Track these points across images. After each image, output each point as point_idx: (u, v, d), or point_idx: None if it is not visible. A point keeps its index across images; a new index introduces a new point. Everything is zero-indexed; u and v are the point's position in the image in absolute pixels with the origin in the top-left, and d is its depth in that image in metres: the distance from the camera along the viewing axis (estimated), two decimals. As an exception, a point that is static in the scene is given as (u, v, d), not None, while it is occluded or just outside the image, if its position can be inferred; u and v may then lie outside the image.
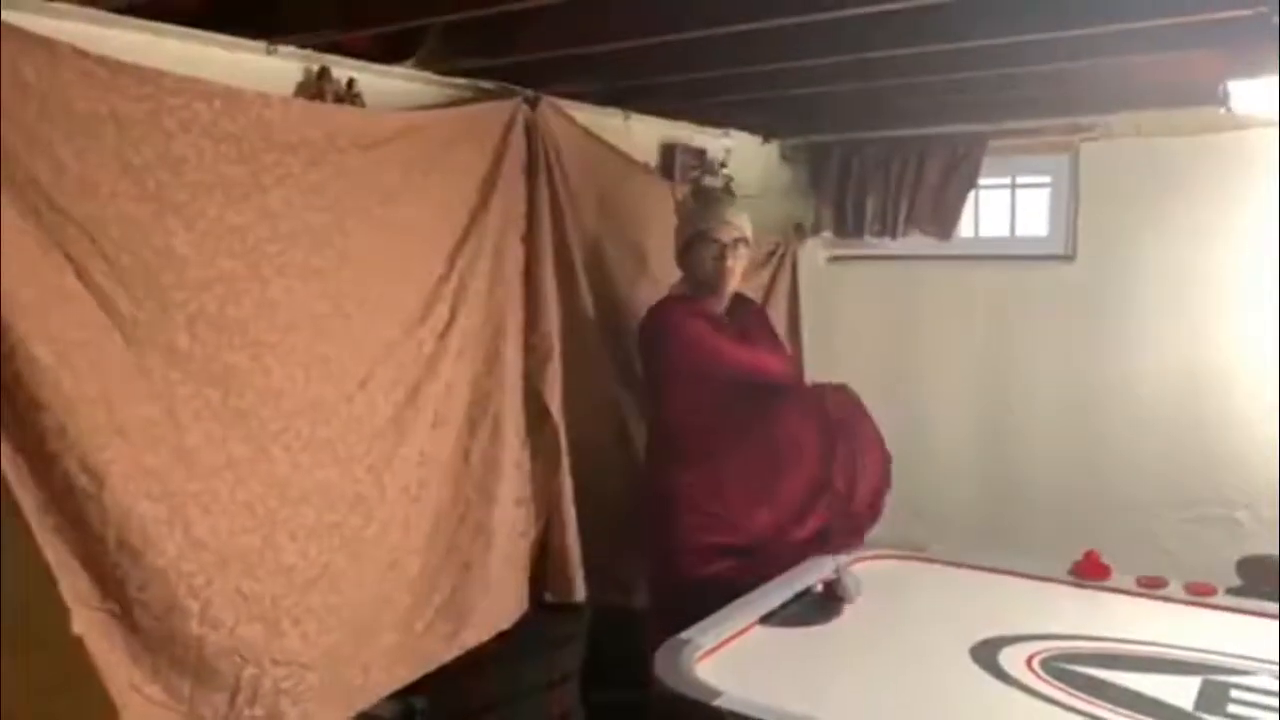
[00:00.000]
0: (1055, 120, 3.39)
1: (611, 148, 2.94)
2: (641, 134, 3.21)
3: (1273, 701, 1.97)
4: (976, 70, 2.68)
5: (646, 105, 3.16)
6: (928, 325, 3.73)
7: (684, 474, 2.69)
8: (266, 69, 2.14)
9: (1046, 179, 3.56)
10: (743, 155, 3.70)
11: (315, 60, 2.19)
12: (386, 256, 2.22)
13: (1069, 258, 3.46)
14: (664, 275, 2.93)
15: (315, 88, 2.17)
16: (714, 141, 3.55)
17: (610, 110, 3.06)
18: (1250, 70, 2.10)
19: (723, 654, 2.14)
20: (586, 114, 2.89)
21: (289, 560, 2.01)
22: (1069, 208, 3.48)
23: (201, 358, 1.86)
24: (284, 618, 1.99)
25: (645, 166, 3.19)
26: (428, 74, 2.46)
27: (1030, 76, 2.77)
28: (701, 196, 3.00)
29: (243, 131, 1.92)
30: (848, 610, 2.41)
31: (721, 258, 2.76)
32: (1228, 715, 1.90)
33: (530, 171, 2.57)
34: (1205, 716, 1.90)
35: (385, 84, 2.36)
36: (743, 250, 2.83)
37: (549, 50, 2.35)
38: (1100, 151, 3.38)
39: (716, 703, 1.84)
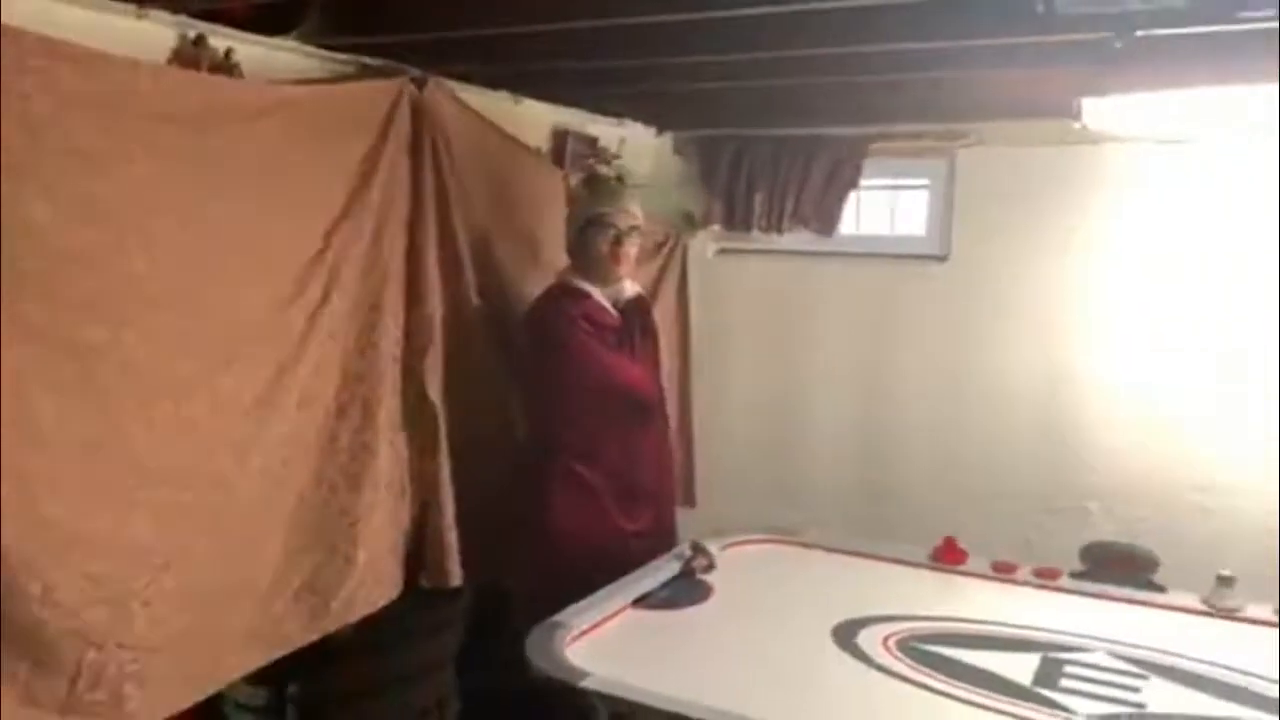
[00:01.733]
0: (934, 126, 3.53)
1: (502, 132, 2.93)
2: (533, 119, 3.21)
3: (1101, 675, 2.11)
4: (860, 75, 2.77)
5: (539, 90, 3.17)
6: (810, 318, 3.83)
7: (561, 466, 2.72)
8: (138, 34, 2.05)
9: (925, 182, 3.70)
10: (636, 146, 3.73)
11: (190, 27, 2.12)
12: (259, 233, 2.16)
13: (943, 258, 3.61)
14: (554, 262, 2.94)
15: (190, 55, 2.10)
16: (608, 130, 3.57)
17: (501, 94, 3.05)
18: (1102, 88, 2.24)
19: (594, 637, 2.18)
20: (476, 96, 2.87)
21: (144, 541, 1.95)
22: (944, 210, 3.63)
23: (56, 331, 1.79)
24: (133, 600, 1.93)
25: (536, 152, 3.19)
26: (311, 48, 2.41)
27: (910, 84, 2.88)
28: (596, 183, 3.02)
29: (109, 98, 1.84)
30: (717, 593, 2.48)
31: (617, 243, 2.80)
32: (1060, 689, 2.04)
33: (415, 153, 2.53)
34: (1040, 690, 2.03)
35: (266, 56, 2.30)
36: (636, 237, 2.88)
37: (437, 31, 2.34)
38: (975, 158, 3.53)
39: (583, 684, 1.89)
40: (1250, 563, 2.70)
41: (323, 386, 2.36)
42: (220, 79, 2.16)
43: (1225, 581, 2.51)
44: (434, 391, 2.57)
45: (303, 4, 2.20)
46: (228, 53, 2.19)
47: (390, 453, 2.48)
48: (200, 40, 2.14)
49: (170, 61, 2.11)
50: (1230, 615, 2.47)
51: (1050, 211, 3.36)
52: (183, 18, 2.10)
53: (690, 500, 3.76)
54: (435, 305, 2.58)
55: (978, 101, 3.12)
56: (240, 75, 2.21)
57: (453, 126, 2.65)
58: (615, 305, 2.86)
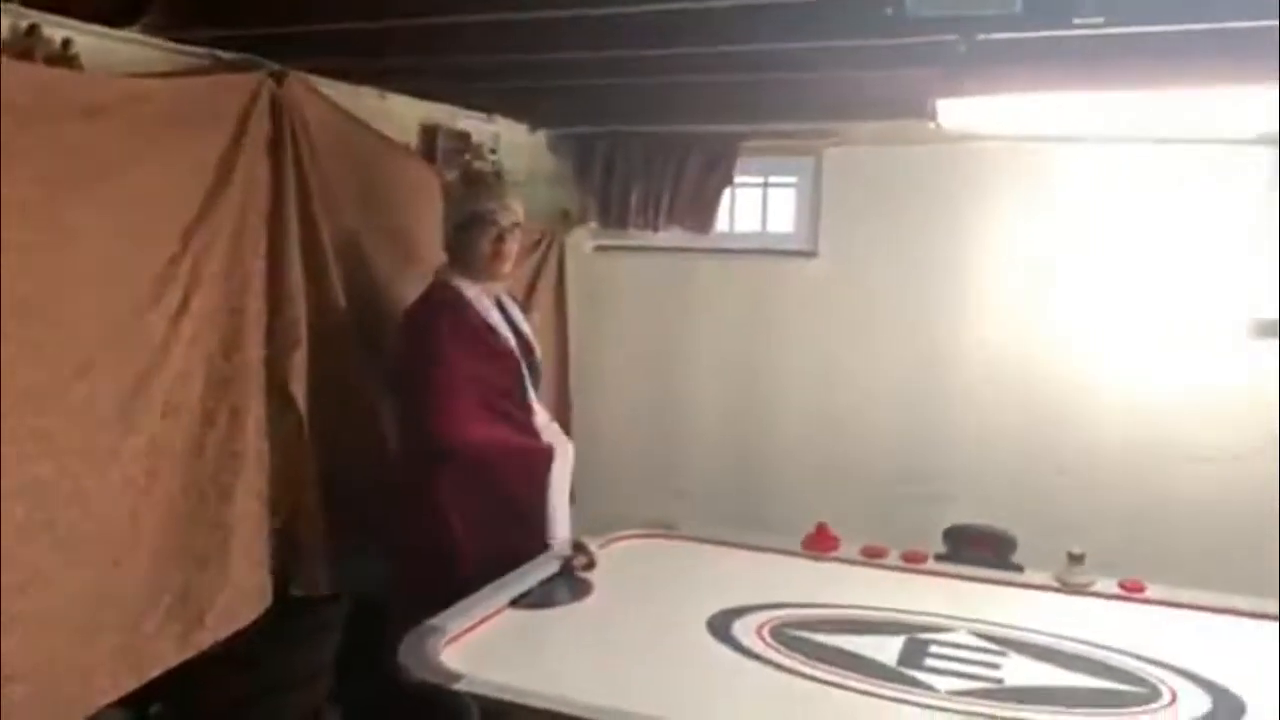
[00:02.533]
0: (802, 126, 3.63)
1: (368, 128, 2.86)
2: (400, 115, 3.15)
3: (962, 653, 2.21)
4: (727, 74, 2.82)
5: (406, 86, 3.12)
6: (687, 314, 3.89)
7: (435, 477, 2.63)
8: (-38, 24, 1.94)
9: (793, 180, 3.80)
10: (509, 142, 3.71)
11: (22, 16, 2.00)
12: (110, 234, 2.06)
13: (812, 253, 3.71)
14: (429, 260, 2.86)
15: (22, 46, 1.98)
16: (479, 126, 3.54)
17: (366, 90, 2.98)
18: (956, 90, 2.33)
19: (470, 639, 2.16)
20: (339, 92, 2.80)
21: (-4, 562, 1.85)
22: (813, 207, 3.73)
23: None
24: (-11, 626, 1.84)
25: (406, 148, 3.13)
26: (159, 41, 2.31)
27: (777, 84, 2.95)
28: (474, 179, 2.95)
29: (-69, 91, 1.74)
30: (596, 590, 2.49)
31: (499, 241, 2.72)
32: (923, 668, 2.11)
33: (276, 151, 2.45)
34: (904, 669, 2.10)
35: (109, 48, 2.18)
36: (518, 234, 2.81)
37: (295, 24, 2.27)
38: (840, 156, 3.65)
39: (457, 686, 1.87)
40: (1100, 540, 2.86)
41: (188, 394, 2.27)
42: (57, 71, 2.04)
43: (1076, 559, 2.65)
44: (300, 397, 2.49)
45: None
46: (65, 43, 2.08)
47: (259, 461, 2.40)
48: (33, 30, 2.02)
49: (-1, 52, 1.99)
50: (1080, 590, 2.61)
51: (912, 207, 3.50)
52: (14, 5, 1.99)
53: (570, 498, 3.74)
54: (300, 308, 2.50)
55: (841, 102, 3.22)
56: (80, 68, 2.10)
57: (315, 123, 2.58)
58: (494, 303, 2.80)
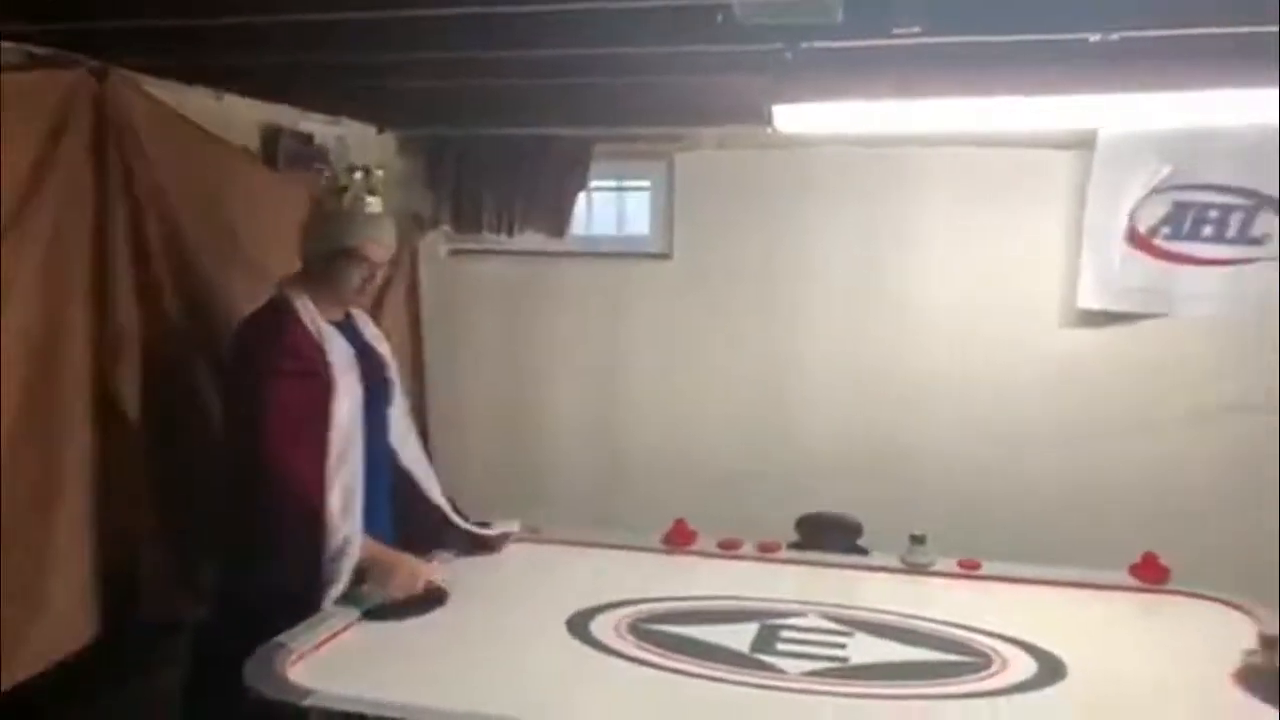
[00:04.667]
0: (654, 130, 3.69)
1: (204, 131, 2.76)
2: (238, 116, 3.04)
3: (812, 636, 2.29)
4: (575, 78, 2.85)
5: (243, 86, 3.01)
6: (545, 318, 3.90)
7: (250, 496, 2.43)
8: None
9: (646, 183, 3.86)
10: (358, 144, 3.64)
11: None
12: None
13: (667, 256, 3.78)
14: (266, 268, 2.76)
15: None
16: (324, 129, 3.45)
17: (199, 89, 2.86)
18: (788, 96, 2.43)
19: (321, 654, 2.11)
20: (171, 91, 2.68)
21: None
22: (666, 210, 3.80)
23: None
24: None
25: (245, 152, 3.03)
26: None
27: (626, 88, 2.99)
28: (357, 210, 2.76)
29: None
30: (452, 598, 2.46)
31: (370, 277, 2.56)
32: (775, 652, 2.19)
33: (98, 153, 2.33)
34: (757, 655, 2.17)
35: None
36: (382, 266, 2.63)
37: (117, 19, 2.16)
38: (691, 160, 3.73)
39: (306, 702, 1.83)
40: (942, 521, 3.01)
41: (3, 412, 2.13)
42: None
43: (918, 540, 2.79)
44: (130, 413, 2.38)
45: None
46: None
47: (81, 481, 2.28)
48: None
49: None
50: (922, 570, 2.75)
51: (759, 210, 3.62)
52: None
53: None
54: (129, 318, 2.39)
55: (688, 107, 3.29)
56: None
57: (143, 124, 2.45)
58: (337, 322, 2.58)
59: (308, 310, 2.48)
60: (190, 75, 2.77)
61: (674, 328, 3.75)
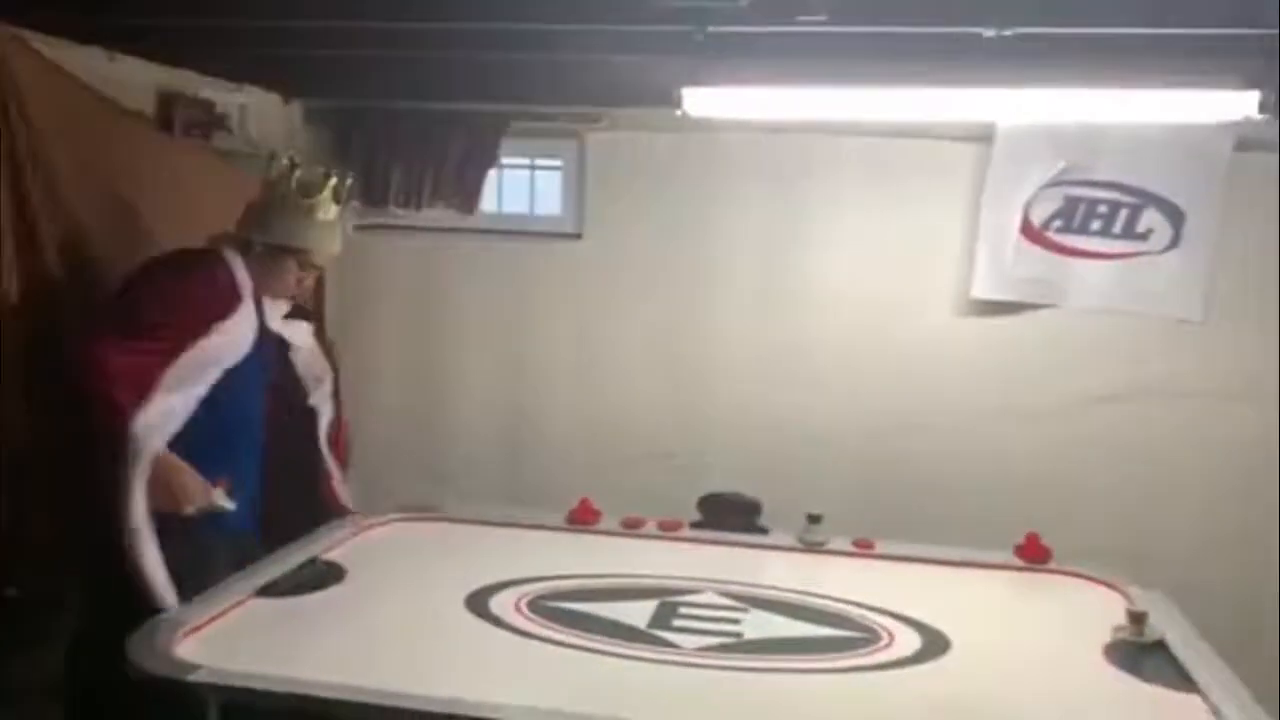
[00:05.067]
0: (567, 109, 3.67)
1: (92, 91, 2.64)
2: (133, 79, 2.92)
3: (708, 612, 2.34)
4: (487, 52, 2.82)
5: (141, 49, 2.90)
6: (454, 296, 3.86)
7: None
8: None
9: (559, 163, 3.84)
10: (262, 113, 3.54)
11: None
12: None
13: (578, 235, 3.78)
14: (156, 232, 2.67)
15: None
16: (226, 96, 3.35)
17: (93, 50, 2.75)
18: (698, 80, 2.45)
19: (212, 629, 2.08)
20: (60, 50, 2.57)
21: None
22: (578, 190, 3.79)
23: None
24: None
25: (138, 116, 2.92)
26: None
27: (539, 65, 2.97)
28: (315, 211, 2.56)
29: None
30: (350, 575, 2.44)
31: (302, 281, 2.61)
32: (672, 628, 2.22)
33: (-21, 110, 2.24)
34: (654, 631, 2.20)
35: None
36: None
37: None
38: (604, 140, 3.73)
39: (192, 678, 1.79)
40: (841, 501, 3.09)
41: None
42: None
43: (814, 519, 2.85)
44: (10, 376, 2.29)
45: None
46: None
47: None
48: None
49: None
50: (817, 549, 2.82)
51: (669, 191, 3.64)
52: None
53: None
54: (12, 281, 2.29)
55: (601, 87, 3.28)
56: None
57: (28, 84, 2.36)
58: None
59: (237, 265, 2.50)
60: (85, 35, 2.66)
61: (584, 307, 3.75)
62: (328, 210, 2.60)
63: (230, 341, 2.46)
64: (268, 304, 2.64)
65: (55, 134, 2.45)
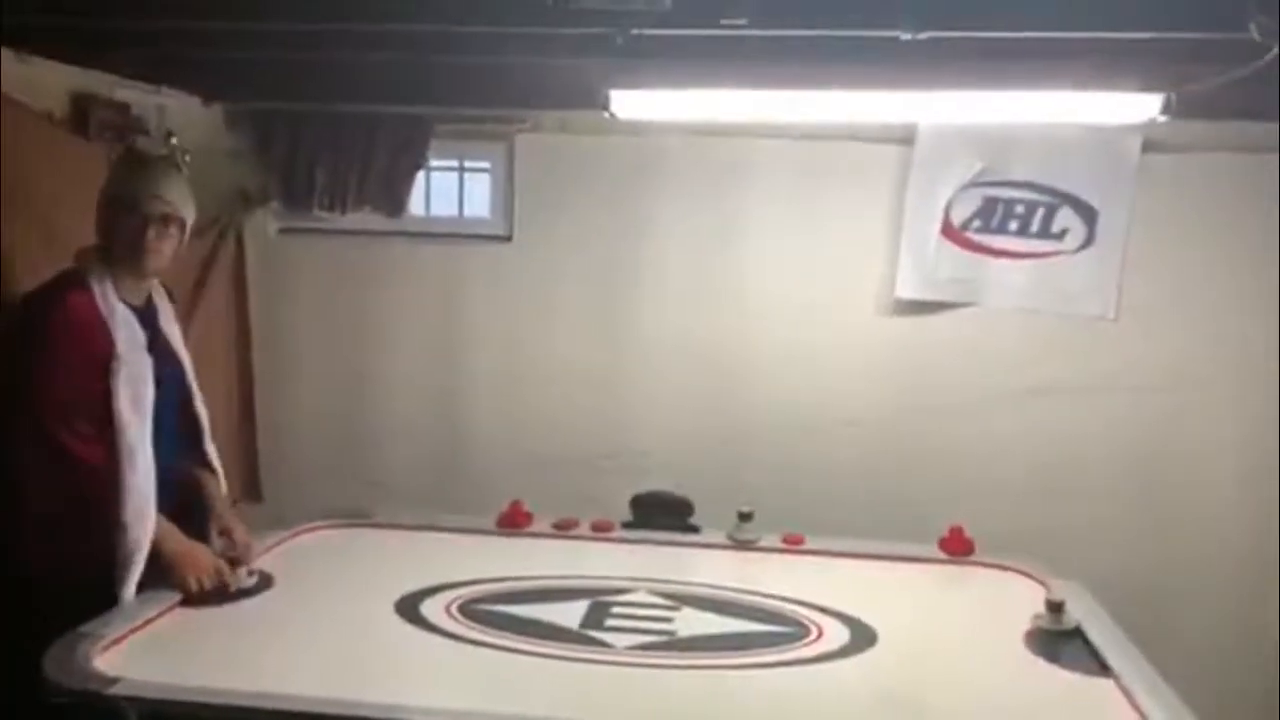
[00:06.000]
0: (495, 111, 3.66)
1: (5, 96, 2.57)
2: (45, 81, 2.84)
3: (641, 611, 2.35)
4: (410, 54, 2.79)
5: (52, 50, 2.82)
6: (381, 299, 3.81)
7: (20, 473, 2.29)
8: None
9: (487, 165, 3.83)
10: (182, 116, 3.46)
11: None
12: None
13: (508, 238, 3.77)
14: (65, 241, 2.58)
15: None
16: (143, 98, 3.27)
17: (2, 50, 2.66)
18: (624, 82, 2.47)
19: (133, 641, 2.03)
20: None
21: None
22: (507, 193, 3.78)
23: None
24: None
25: (45, 118, 2.83)
26: None
27: (465, 68, 2.96)
28: (132, 159, 2.63)
29: None
30: (278, 583, 2.40)
31: (142, 233, 2.36)
32: (604, 628, 2.23)
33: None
34: (586, 631, 2.21)
35: None
36: (174, 231, 2.43)
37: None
38: (533, 142, 3.72)
39: (111, 691, 1.74)
40: (771, 499, 3.11)
41: None
42: None
43: (745, 517, 2.88)
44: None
45: None
46: None
47: None
48: None
49: None
50: (748, 546, 2.85)
51: (599, 194, 3.64)
52: None
53: (256, 496, 3.61)
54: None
55: (528, 89, 3.28)
56: None
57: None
58: (136, 305, 2.43)
59: (101, 286, 2.35)
60: (-6, 35, 2.57)
61: (513, 310, 3.74)
62: (150, 154, 2.54)
63: (128, 370, 2.34)
64: (162, 309, 2.54)
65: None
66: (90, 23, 2.46)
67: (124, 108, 3.16)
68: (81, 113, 2.98)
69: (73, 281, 2.35)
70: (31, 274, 2.55)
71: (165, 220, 2.40)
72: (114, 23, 2.46)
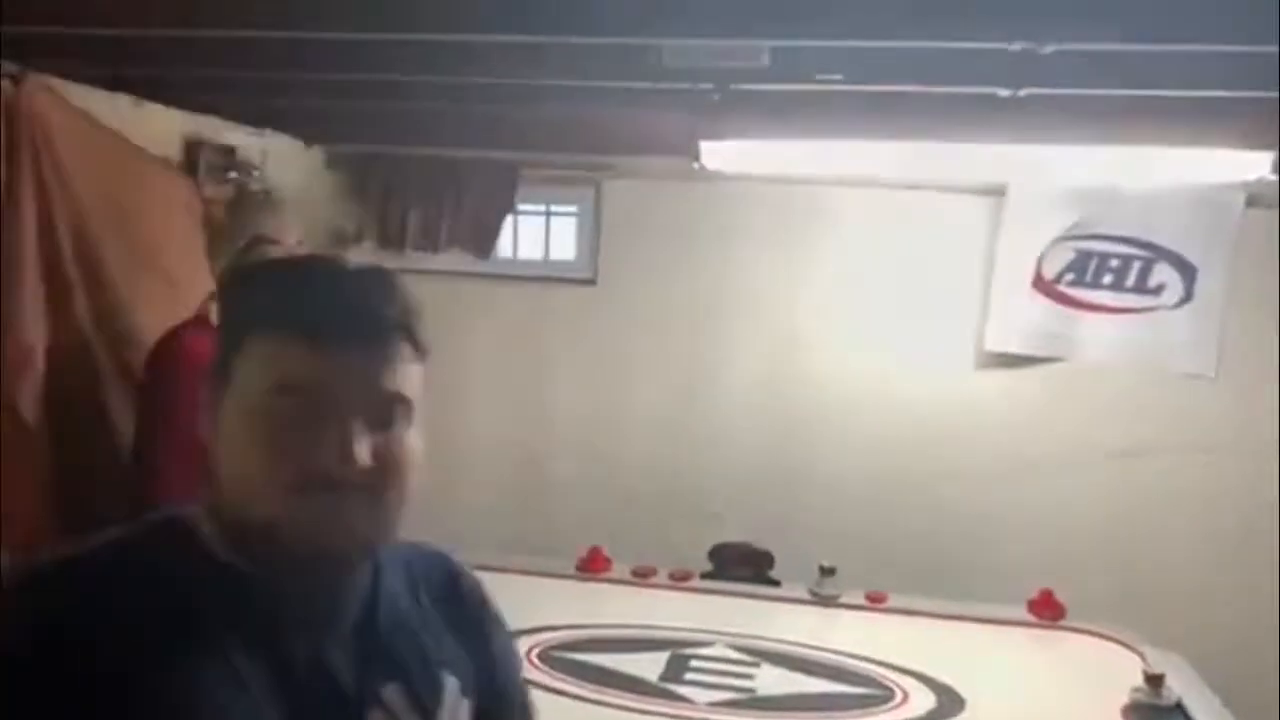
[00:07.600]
0: (582, 157, 3.72)
1: (122, 139, 2.68)
2: (159, 126, 2.96)
3: (720, 666, 2.33)
4: (507, 105, 2.86)
5: (166, 96, 2.95)
6: (466, 339, 3.86)
7: None
8: None
9: (574, 209, 3.88)
10: (282, 158, 3.57)
11: None
12: None
13: (592, 281, 3.81)
14: (181, 284, 2.68)
15: None
16: (248, 140, 3.39)
17: (120, 96, 2.79)
18: (716, 134, 2.48)
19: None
20: (89, 98, 2.61)
21: None
22: (592, 236, 3.83)
23: None
24: None
25: (164, 161, 2.96)
26: None
27: (556, 116, 3.02)
28: (246, 201, 2.72)
29: None
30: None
31: None
32: (684, 681, 2.22)
33: (9, 162, 2.25)
34: (665, 684, 2.20)
35: None
36: None
37: (35, 24, 2.11)
38: (620, 188, 3.77)
39: None
40: (853, 554, 3.06)
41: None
42: None
43: (827, 572, 2.84)
44: (30, 419, 2.29)
45: None
46: None
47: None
48: None
49: None
50: (830, 602, 2.80)
51: (683, 240, 3.66)
52: None
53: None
54: (35, 333, 2.30)
55: (617, 138, 3.33)
56: None
57: (58, 131, 2.38)
58: None
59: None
60: (112, 83, 2.71)
61: (596, 353, 3.77)
62: (254, 192, 2.69)
63: None
64: None
65: (83, 180, 2.47)
66: (199, 72, 2.57)
67: (229, 150, 3.28)
68: (193, 156, 3.10)
69: (202, 329, 2.37)
70: (142, 306, 2.65)
71: (298, 247, 2.46)
72: (221, 72, 2.56)
